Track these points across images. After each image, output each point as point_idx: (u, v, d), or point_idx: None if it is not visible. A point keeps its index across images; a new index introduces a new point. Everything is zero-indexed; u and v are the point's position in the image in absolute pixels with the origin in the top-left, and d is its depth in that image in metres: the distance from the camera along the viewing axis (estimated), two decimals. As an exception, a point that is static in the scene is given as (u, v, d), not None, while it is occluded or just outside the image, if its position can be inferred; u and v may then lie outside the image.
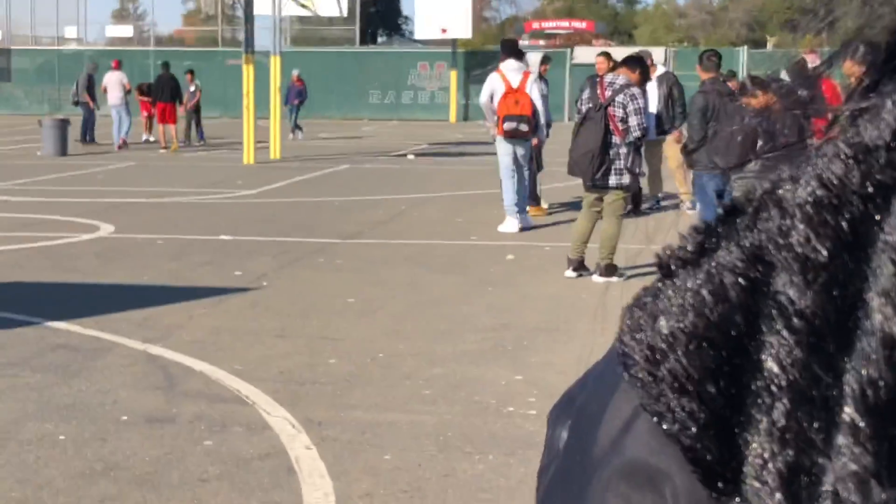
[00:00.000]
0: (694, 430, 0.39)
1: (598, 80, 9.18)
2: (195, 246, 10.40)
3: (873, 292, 0.36)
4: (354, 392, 5.76)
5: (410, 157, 21.62)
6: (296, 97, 26.42)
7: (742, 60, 34.24)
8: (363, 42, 60.71)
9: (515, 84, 11.09)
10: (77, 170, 18.26)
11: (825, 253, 0.37)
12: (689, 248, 0.43)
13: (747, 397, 0.38)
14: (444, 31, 34.66)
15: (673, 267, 0.43)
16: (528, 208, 11.87)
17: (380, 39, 75.57)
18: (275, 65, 21.08)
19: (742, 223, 0.41)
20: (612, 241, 8.69)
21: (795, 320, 0.37)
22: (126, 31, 54.12)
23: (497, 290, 8.36)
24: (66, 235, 10.96)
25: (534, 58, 13.24)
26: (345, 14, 24.47)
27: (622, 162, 8.82)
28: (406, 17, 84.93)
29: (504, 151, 11.31)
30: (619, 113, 8.82)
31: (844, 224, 0.38)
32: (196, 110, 24.78)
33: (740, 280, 0.39)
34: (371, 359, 6.40)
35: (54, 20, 46.98)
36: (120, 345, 6.73)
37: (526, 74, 11.24)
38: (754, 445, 0.37)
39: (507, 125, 11.03)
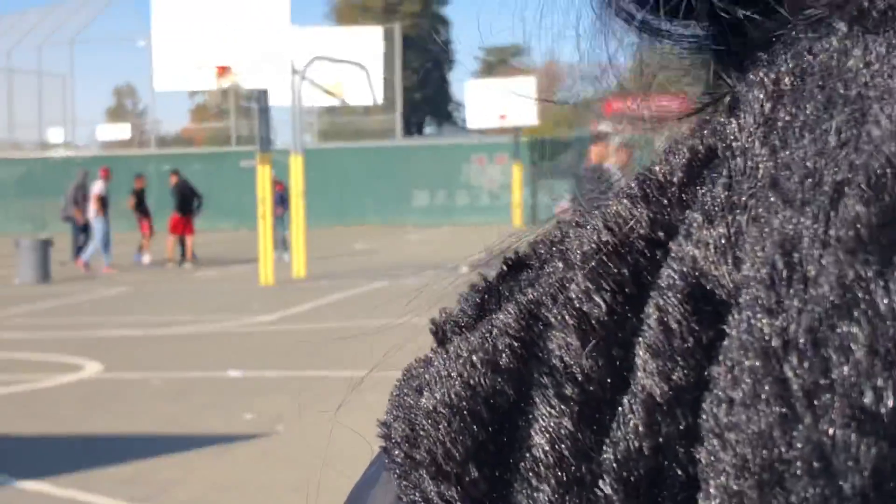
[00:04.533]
0: None
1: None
2: (198, 385, 10.51)
3: (640, 347, 0.37)
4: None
5: (464, 269, 21.72)
6: (279, 205, 24.32)
7: None
8: (408, 133, 61.71)
9: None
10: (60, 298, 18.63)
11: (604, 307, 0.38)
12: (468, 309, 0.44)
13: (514, 481, 0.39)
14: (502, 117, 35.15)
15: (448, 333, 0.44)
16: None
17: (427, 130, 76.84)
18: (296, 165, 21.48)
19: (526, 279, 0.43)
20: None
21: (567, 387, 0.38)
22: (123, 131, 55.52)
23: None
24: (43, 377, 11.14)
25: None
26: (380, 102, 24.85)
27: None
28: (457, 104, 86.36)
29: None
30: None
31: (627, 272, 0.38)
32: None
33: (514, 343, 0.40)
34: (407, 517, 6.39)
35: (36, 122, 48.35)
36: (102, 507, 6.79)
37: None
38: None
39: None
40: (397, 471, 0.41)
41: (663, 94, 0.51)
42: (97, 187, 24.72)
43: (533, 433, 0.38)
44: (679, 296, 0.36)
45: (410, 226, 38.09)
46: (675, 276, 0.36)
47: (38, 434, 8.76)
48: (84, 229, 25.01)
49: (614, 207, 0.40)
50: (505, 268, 0.45)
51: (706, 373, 0.35)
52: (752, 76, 0.40)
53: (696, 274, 0.36)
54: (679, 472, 0.35)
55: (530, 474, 0.38)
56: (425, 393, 0.41)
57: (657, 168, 0.40)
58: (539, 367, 0.39)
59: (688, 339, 0.36)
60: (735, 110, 0.39)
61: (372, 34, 24.43)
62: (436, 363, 0.42)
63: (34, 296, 19.12)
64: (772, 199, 0.35)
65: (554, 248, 0.43)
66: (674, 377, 0.35)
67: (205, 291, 19.32)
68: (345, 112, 57.70)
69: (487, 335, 0.40)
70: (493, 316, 0.41)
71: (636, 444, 0.36)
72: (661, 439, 0.35)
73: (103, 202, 24.55)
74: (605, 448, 0.37)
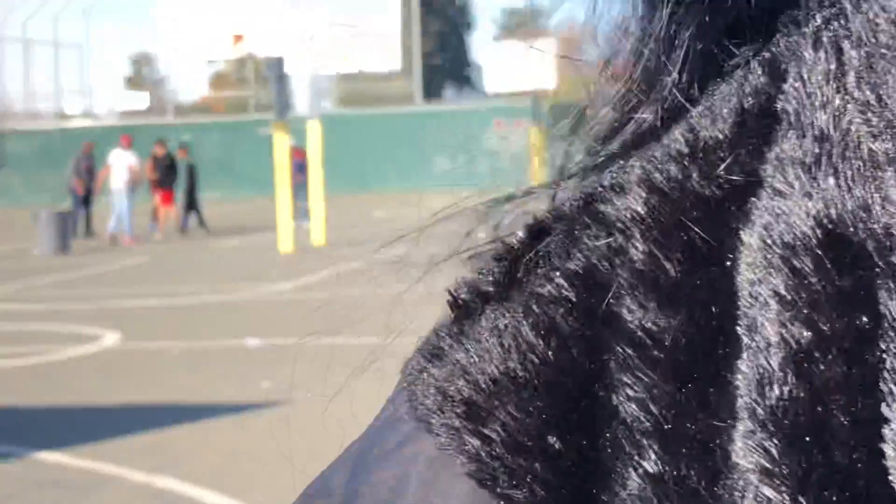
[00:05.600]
0: (543, 493, 0.39)
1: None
2: (215, 354, 10.56)
3: (762, 299, 0.37)
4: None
5: (481, 234, 21.75)
6: (299, 172, 23.14)
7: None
8: (427, 98, 61.48)
9: None
10: (79, 269, 18.71)
11: (676, 267, 0.38)
12: (495, 279, 0.43)
13: (604, 449, 0.39)
14: (524, 80, 35.07)
15: (473, 305, 0.43)
16: None
17: (446, 94, 76.47)
18: (313, 132, 21.46)
19: (556, 247, 0.42)
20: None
21: (654, 351, 0.38)
22: (141, 100, 55.50)
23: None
24: (63, 348, 11.21)
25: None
26: (398, 67, 24.79)
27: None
28: (477, 67, 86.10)
29: None
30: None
31: (693, 232, 0.39)
32: (188, 192, 25.74)
33: (572, 310, 0.40)
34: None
35: (53, 92, 48.38)
36: (119, 477, 6.84)
37: None
38: None
39: None
40: (461, 452, 0.40)
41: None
42: (129, 158, 24.79)
43: (620, 399, 0.38)
44: (812, 245, 0.37)
45: (431, 192, 38.06)
46: (804, 228, 0.37)
47: (57, 405, 8.83)
48: (85, 201, 25.16)
49: (660, 168, 0.40)
50: (526, 234, 0.44)
51: (862, 319, 0.36)
52: (795, 36, 0.40)
53: (828, 223, 0.36)
54: (843, 420, 0.35)
55: (624, 442, 0.38)
56: (473, 368, 0.41)
57: (699, 127, 0.40)
58: (611, 333, 0.39)
59: (829, 288, 0.36)
60: (779, 69, 0.40)
61: (389, -2, 24.31)
62: (475, 336, 0.41)
63: (53, 267, 19.21)
64: None
65: (582, 213, 0.42)
66: (820, 326, 0.36)
67: (224, 260, 19.37)
68: (363, 78, 57.60)
69: (535, 304, 0.40)
70: (535, 285, 0.41)
71: (788, 393, 0.36)
72: (816, 387, 0.36)
73: (133, 172, 24.73)
74: (715, 411, 0.37)
